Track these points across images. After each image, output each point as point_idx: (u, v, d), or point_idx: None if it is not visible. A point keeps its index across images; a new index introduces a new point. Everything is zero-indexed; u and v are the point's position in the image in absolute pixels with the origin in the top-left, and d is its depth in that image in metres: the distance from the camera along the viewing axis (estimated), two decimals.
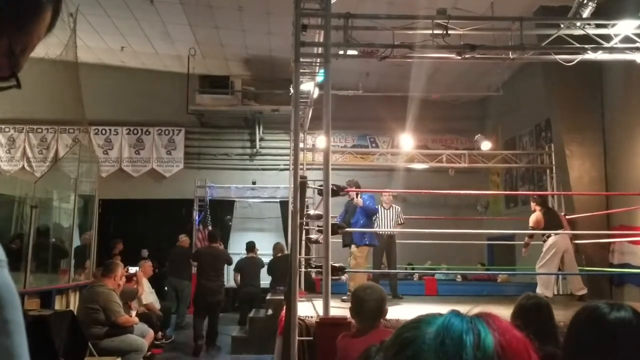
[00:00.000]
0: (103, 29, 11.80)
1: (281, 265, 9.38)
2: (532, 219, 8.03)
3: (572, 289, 8.01)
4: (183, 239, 11.44)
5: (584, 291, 7.72)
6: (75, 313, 6.42)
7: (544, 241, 7.99)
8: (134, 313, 7.52)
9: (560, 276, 8.58)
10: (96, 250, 9.61)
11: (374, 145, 14.66)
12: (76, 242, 9.30)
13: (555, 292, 8.56)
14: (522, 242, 11.36)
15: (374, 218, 8.45)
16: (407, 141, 11.66)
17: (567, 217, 8.95)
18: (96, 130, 13.97)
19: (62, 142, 13.75)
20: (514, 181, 13.35)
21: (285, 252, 10.41)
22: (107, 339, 6.17)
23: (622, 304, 1.63)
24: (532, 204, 8.31)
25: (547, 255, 7.75)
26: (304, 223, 7.13)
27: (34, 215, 7.44)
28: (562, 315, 3.70)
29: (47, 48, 9.27)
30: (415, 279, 11.34)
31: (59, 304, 7.75)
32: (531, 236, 8.13)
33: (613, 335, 1.54)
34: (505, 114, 13.34)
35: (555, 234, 7.80)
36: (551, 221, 7.93)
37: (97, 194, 9.90)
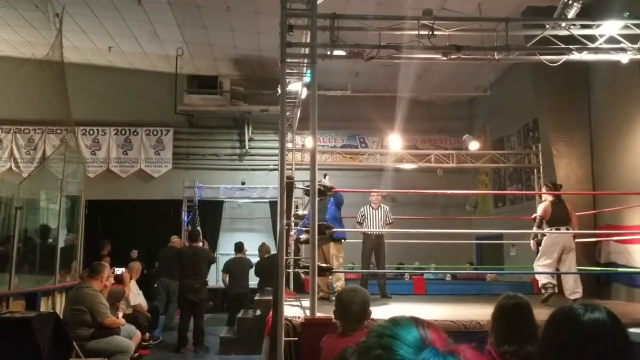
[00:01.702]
0: (90, 29, 11.74)
1: (269, 266, 9.39)
2: (540, 208, 7.54)
3: (565, 290, 7.38)
4: (175, 240, 11.42)
5: (578, 295, 7.12)
6: (60, 315, 6.39)
7: (542, 235, 7.54)
8: (121, 314, 7.49)
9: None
10: (83, 251, 9.55)
11: (363, 145, 14.68)
12: (62, 243, 9.24)
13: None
14: (511, 242, 11.56)
15: (361, 218, 8.49)
16: (396, 141, 11.68)
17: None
18: (84, 131, 13.92)
19: (49, 143, 13.66)
20: (502, 181, 13.42)
21: (272, 252, 10.42)
22: (94, 340, 6.14)
23: (597, 305, 1.63)
24: (544, 191, 7.83)
25: (543, 252, 7.38)
26: (292, 223, 7.15)
27: (18, 216, 7.38)
28: (547, 315, 3.71)
29: (33, 48, 9.24)
30: (406, 278, 11.37)
31: (44, 306, 7.71)
32: (539, 227, 7.48)
33: (587, 336, 1.55)
34: (494, 114, 13.41)
35: (543, 233, 7.58)
36: (557, 214, 7.34)
37: (84, 194, 9.84)
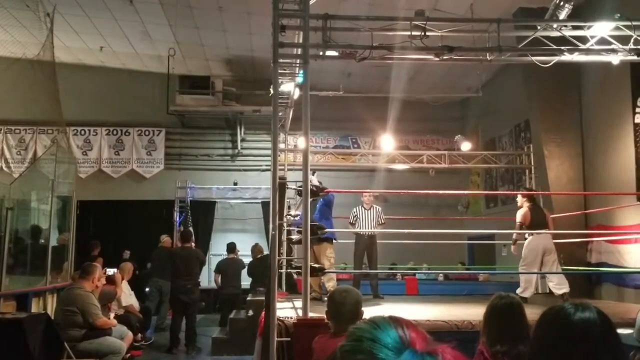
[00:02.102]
0: (82, 29, 11.69)
1: (261, 266, 9.38)
2: (520, 214, 7.76)
3: (551, 287, 7.70)
4: (165, 239, 11.37)
5: (565, 289, 7.37)
6: (51, 316, 6.36)
7: (524, 239, 7.81)
8: (112, 315, 7.46)
9: (539, 275, 8.51)
10: (75, 252, 9.51)
11: (355, 145, 14.69)
12: (54, 244, 9.20)
13: (536, 291, 8.59)
14: (502, 242, 11.58)
15: (353, 219, 8.49)
16: (388, 142, 11.69)
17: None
18: (75, 131, 13.86)
19: (40, 143, 13.58)
20: (494, 181, 13.46)
21: (265, 253, 10.41)
22: (85, 341, 6.11)
23: (588, 305, 1.64)
24: (520, 200, 8.04)
25: (526, 256, 7.64)
26: (285, 224, 7.15)
27: (9, 217, 7.34)
28: (538, 315, 3.73)
29: (24, 48, 9.19)
30: (399, 278, 11.39)
31: (35, 307, 7.67)
32: (520, 228, 7.74)
33: (577, 336, 1.56)
34: (486, 115, 13.45)
35: (531, 234, 7.65)
36: (536, 219, 7.65)
37: (75, 195, 9.80)
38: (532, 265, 7.57)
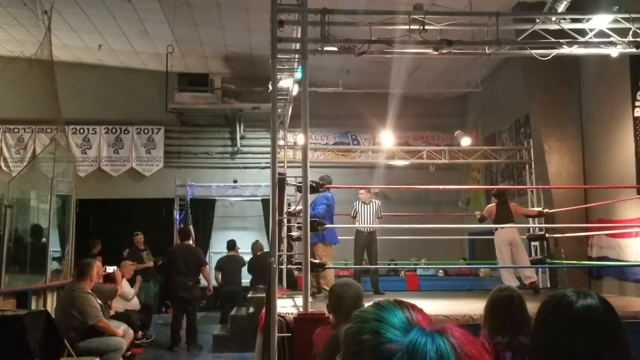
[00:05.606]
0: (80, 27, 11.68)
1: (261, 264, 9.38)
2: (486, 208, 8.71)
3: (522, 277, 8.29)
4: (137, 237, 11.19)
5: (533, 279, 8.15)
6: (51, 313, 6.33)
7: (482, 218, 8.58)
8: (112, 312, 7.45)
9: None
10: (74, 251, 9.50)
11: (355, 142, 14.67)
12: (54, 242, 9.19)
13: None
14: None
15: (354, 213, 8.46)
16: (388, 138, 11.68)
17: (545, 210, 8.98)
18: (74, 130, 13.84)
19: (39, 142, 13.56)
20: (494, 177, 13.44)
21: (265, 250, 10.40)
22: (86, 339, 6.08)
23: (589, 292, 1.63)
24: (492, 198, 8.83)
25: (497, 250, 8.27)
26: (285, 220, 7.13)
27: (8, 215, 7.33)
28: (536, 309, 3.72)
29: (22, 46, 9.16)
30: (402, 274, 11.38)
31: (35, 305, 7.65)
32: (480, 221, 8.70)
33: (580, 323, 1.54)
34: (485, 110, 13.43)
35: (497, 229, 8.28)
36: (501, 215, 8.29)
37: (75, 193, 9.79)
38: (503, 257, 8.14)
